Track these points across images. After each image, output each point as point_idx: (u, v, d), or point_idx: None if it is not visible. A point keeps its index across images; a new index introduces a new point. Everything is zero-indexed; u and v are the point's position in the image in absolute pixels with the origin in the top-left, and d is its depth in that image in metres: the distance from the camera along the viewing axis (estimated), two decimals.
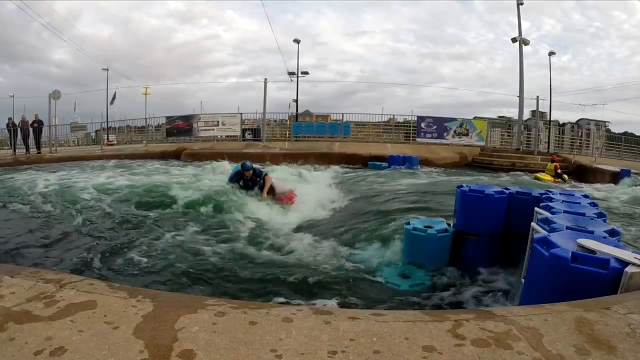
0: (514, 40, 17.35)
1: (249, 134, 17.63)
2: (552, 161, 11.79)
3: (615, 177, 11.07)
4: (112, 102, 23.87)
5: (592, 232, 2.10)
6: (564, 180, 10.71)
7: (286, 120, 19.98)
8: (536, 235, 2.20)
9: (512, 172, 12.41)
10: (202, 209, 5.30)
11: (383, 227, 4.57)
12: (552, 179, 10.61)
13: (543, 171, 11.42)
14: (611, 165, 12.61)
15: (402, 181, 8.96)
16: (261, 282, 3.17)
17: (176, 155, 14.21)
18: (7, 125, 14.23)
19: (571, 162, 13.40)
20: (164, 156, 14.12)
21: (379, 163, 12.68)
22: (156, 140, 18.75)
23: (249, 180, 5.83)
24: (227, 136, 17.59)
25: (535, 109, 19.04)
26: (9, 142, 14.55)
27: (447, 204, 5.10)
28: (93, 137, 20.96)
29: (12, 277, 1.73)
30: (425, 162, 13.25)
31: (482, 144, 16.40)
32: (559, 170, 10.99)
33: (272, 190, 5.86)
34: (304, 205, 6.02)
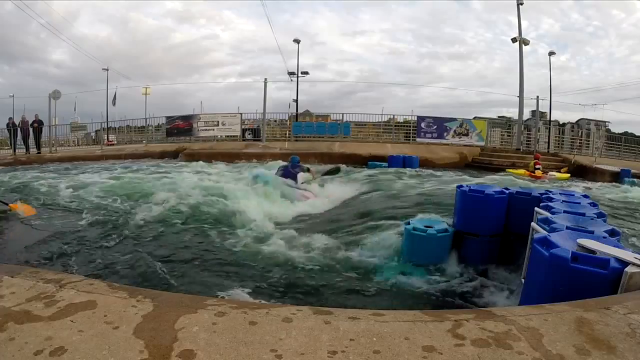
0: (514, 40, 17.33)
1: (249, 134, 17.63)
2: (536, 158, 12.03)
3: (616, 177, 11.13)
4: (114, 103, 23.88)
5: (592, 232, 2.10)
6: (537, 175, 10.87)
7: (286, 120, 19.99)
8: (536, 235, 2.20)
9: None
10: (201, 208, 5.30)
11: (383, 226, 4.56)
12: (527, 173, 10.94)
13: (526, 168, 11.63)
14: (611, 165, 12.63)
15: (402, 181, 8.97)
16: (261, 282, 3.17)
17: (176, 155, 14.23)
18: (7, 125, 14.23)
19: (571, 162, 13.41)
20: (163, 156, 14.15)
21: (379, 163, 12.68)
22: (156, 140, 18.75)
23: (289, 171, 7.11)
24: (227, 136, 17.59)
25: (535, 109, 19.04)
26: (9, 142, 14.56)
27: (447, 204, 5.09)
28: (93, 137, 20.96)
29: (12, 277, 1.73)
30: (425, 162, 13.24)
31: (482, 144, 16.39)
32: (537, 166, 11.29)
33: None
34: (304, 203, 6.04)
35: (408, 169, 11.57)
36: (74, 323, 1.31)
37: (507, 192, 3.53)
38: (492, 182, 7.89)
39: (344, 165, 11.09)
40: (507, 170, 11.63)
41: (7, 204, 5.07)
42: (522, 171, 11.25)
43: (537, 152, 13.82)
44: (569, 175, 11.79)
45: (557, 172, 11.95)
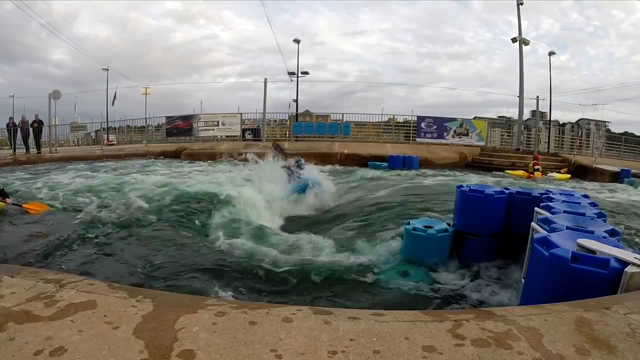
0: (514, 40, 17.34)
1: (249, 134, 17.64)
2: (535, 159, 12.11)
3: (616, 177, 11.13)
4: (113, 103, 23.89)
5: (592, 232, 2.10)
6: (536, 176, 10.96)
7: (286, 120, 19.99)
8: (536, 235, 2.20)
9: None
10: (201, 209, 5.30)
11: (383, 226, 4.57)
12: (525, 174, 11.03)
13: (526, 169, 11.69)
14: (611, 166, 12.63)
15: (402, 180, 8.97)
16: (261, 282, 3.17)
17: (176, 155, 14.24)
18: (8, 125, 14.22)
19: (571, 162, 13.41)
20: (163, 156, 14.16)
21: (379, 163, 12.68)
22: (156, 140, 18.76)
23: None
24: (227, 136, 17.60)
25: (535, 109, 19.04)
26: (9, 142, 14.54)
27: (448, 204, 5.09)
28: (93, 137, 20.95)
29: (12, 277, 1.73)
30: (425, 162, 13.25)
31: (482, 144, 16.40)
32: (536, 167, 11.38)
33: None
34: (305, 204, 6.05)
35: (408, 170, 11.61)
36: (74, 323, 1.31)
37: (507, 192, 3.53)
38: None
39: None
40: (505, 172, 11.63)
41: (20, 205, 5.15)
42: (520, 172, 11.25)
43: (536, 154, 13.85)
44: (569, 176, 11.78)
45: (556, 172, 11.95)
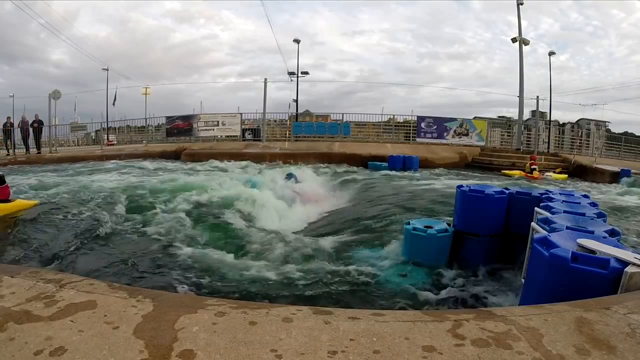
0: (514, 40, 17.35)
1: (249, 134, 17.64)
2: (532, 159, 12.23)
3: (615, 177, 11.13)
4: (114, 104, 23.93)
5: (592, 232, 2.10)
6: (535, 176, 11.05)
7: (286, 120, 19.99)
8: (536, 235, 2.19)
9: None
10: (202, 210, 5.30)
11: (383, 227, 4.57)
12: (522, 173, 11.21)
13: (523, 169, 11.80)
14: (611, 166, 12.63)
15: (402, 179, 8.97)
16: (261, 283, 3.17)
17: (176, 155, 14.23)
18: (5, 125, 14.15)
19: (571, 162, 13.41)
20: (163, 156, 14.16)
21: (379, 163, 12.67)
22: (156, 140, 18.77)
23: None
24: (227, 136, 17.60)
25: (535, 109, 19.05)
26: (4, 143, 14.47)
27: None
28: (93, 137, 20.95)
29: (12, 277, 1.73)
30: (425, 162, 13.25)
31: (482, 144, 16.40)
32: (533, 167, 11.53)
33: None
34: (304, 206, 6.04)
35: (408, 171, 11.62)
36: (74, 323, 1.31)
37: (507, 192, 3.53)
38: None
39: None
40: (502, 172, 11.69)
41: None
42: (517, 172, 11.29)
43: (534, 154, 13.89)
44: (566, 175, 11.79)
45: (553, 172, 12.00)
